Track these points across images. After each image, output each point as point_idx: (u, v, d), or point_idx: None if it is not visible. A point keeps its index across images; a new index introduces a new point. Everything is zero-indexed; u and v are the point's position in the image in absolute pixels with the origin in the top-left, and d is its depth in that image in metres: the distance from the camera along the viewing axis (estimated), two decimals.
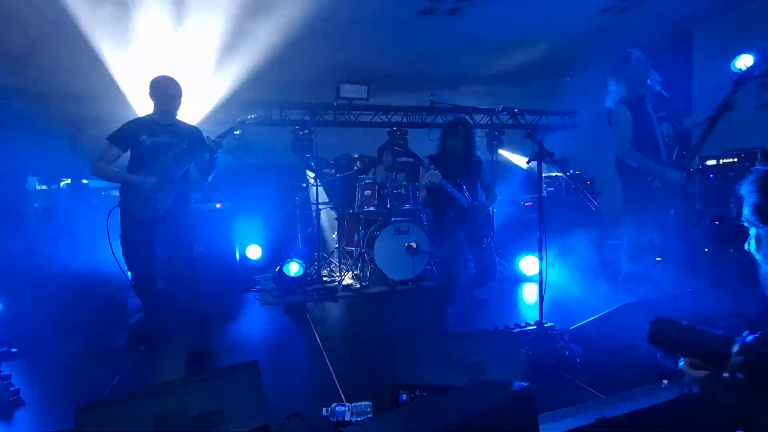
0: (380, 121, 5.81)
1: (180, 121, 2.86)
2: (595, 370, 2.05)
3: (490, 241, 3.06)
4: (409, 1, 3.84)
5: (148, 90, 2.74)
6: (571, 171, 5.03)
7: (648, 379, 1.91)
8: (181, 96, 2.79)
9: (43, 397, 2.08)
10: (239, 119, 2.87)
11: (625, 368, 2.04)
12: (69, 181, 4.70)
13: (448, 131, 2.99)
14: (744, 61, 2.63)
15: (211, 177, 2.95)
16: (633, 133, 2.75)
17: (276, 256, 4.70)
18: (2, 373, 2.02)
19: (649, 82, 2.76)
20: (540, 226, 2.41)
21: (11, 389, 1.96)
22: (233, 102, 4.59)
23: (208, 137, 2.76)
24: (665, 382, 1.86)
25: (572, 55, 5.54)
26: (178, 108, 2.80)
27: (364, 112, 5.72)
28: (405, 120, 5.88)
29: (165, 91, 2.72)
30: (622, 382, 1.91)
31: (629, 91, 2.77)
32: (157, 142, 2.71)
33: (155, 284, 2.75)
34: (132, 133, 2.70)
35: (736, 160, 3.69)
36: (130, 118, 2.80)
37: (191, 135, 2.83)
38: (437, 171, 2.71)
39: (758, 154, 3.55)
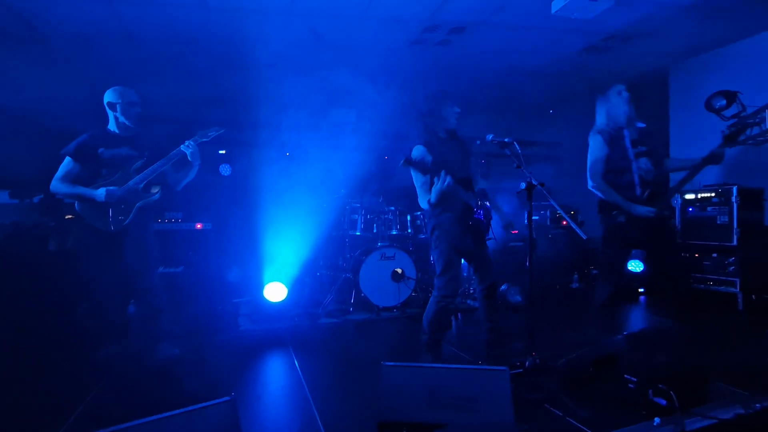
0: (368, 145, 5.83)
1: (142, 131, 2.77)
2: (585, 406, 2.00)
3: (488, 237, 2.80)
4: (402, 30, 3.93)
5: (105, 100, 2.66)
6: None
7: (640, 417, 1.87)
8: (139, 105, 2.70)
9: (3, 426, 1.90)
10: (201, 131, 2.77)
11: (615, 405, 1.99)
12: (42, 196, 4.52)
13: (439, 100, 2.62)
14: None
15: (181, 185, 2.87)
16: (607, 166, 2.78)
17: (257, 279, 4.56)
18: None
19: (628, 117, 2.77)
20: (529, 258, 2.41)
21: None
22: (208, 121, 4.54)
23: (188, 143, 2.70)
24: (657, 420, 1.82)
25: (555, 89, 5.74)
26: (137, 118, 2.70)
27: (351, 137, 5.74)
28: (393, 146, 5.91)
29: (123, 100, 2.65)
30: (614, 420, 1.86)
31: (608, 123, 2.82)
32: (116, 155, 2.64)
33: (123, 305, 2.61)
34: (89, 147, 2.62)
35: (713, 195, 3.82)
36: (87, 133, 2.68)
37: (154, 146, 2.75)
38: (449, 177, 2.33)
39: (734, 190, 3.69)
